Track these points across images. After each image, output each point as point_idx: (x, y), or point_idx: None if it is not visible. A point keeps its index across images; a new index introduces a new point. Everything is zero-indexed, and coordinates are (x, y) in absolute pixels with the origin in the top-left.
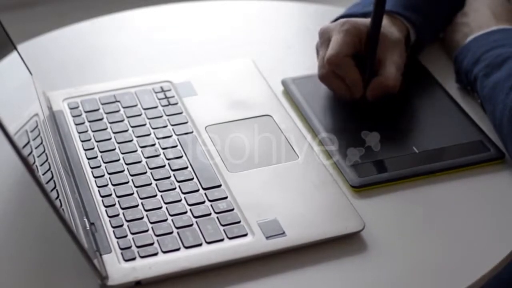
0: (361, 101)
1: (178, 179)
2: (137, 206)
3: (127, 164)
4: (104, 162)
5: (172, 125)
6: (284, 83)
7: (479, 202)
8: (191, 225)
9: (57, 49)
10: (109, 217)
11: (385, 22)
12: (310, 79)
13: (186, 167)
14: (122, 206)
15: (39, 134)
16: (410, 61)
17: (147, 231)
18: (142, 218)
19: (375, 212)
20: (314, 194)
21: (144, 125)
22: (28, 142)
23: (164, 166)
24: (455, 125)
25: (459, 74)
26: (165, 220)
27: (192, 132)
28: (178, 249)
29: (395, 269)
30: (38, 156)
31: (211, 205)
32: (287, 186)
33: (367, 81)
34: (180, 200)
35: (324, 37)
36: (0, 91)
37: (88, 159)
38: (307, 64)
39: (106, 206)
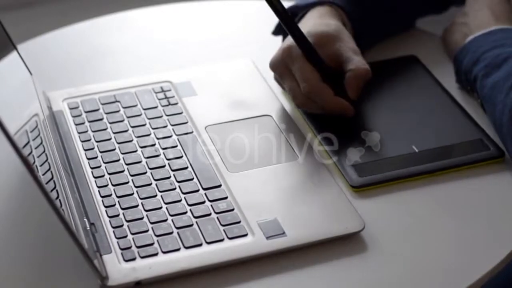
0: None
1: (178, 179)
2: (137, 206)
3: (127, 164)
4: (104, 162)
5: (172, 125)
6: None
7: (479, 202)
8: (191, 225)
9: (57, 49)
10: (109, 217)
11: (316, 19)
12: None
13: (186, 167)
14: (122, 206)
15: (39, 134)
16: (410, 60)
17: (147, 231)
18: (142, 218)
19: (375, 212)
20: (314, 194)
21: (144, 125)
22: (28, 142)
23: (164, 166)
24: (455, 124)
25: (459, 74)
26: (165, 220)
27: (192, 132)
28: (178, 249)
29: (395, 269)
30: (38, 156)
31: (211, 205)
32: (287, 186)
33: (333, 87)
34: (180, 200)
35: (282, 71)
36: (0, 91)
37: (88, 159)
38: None
39: (106, 206)
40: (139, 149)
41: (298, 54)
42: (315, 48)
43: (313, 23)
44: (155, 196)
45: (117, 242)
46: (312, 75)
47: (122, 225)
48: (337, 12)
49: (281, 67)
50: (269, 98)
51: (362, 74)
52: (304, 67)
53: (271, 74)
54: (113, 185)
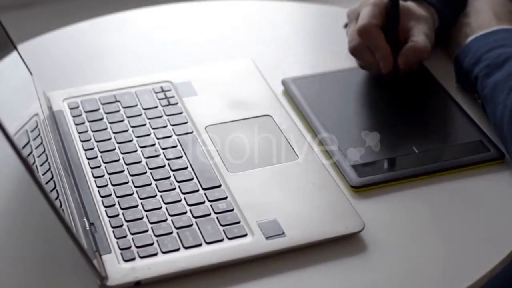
0: (390, 75)
1: (178, 179)
2: (136, 206)
3: (127, 164)
4: (104, 162)
5: (172, 125)
6: (284, 83)
7: (479, 202)
8: (191, 225)
9: (57, 49)
10: (109, 217)
11: (412, 4)
12: (310, 79)
13: (186, 167)
14: (122, 206)
15: (39, 134)
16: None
17: (146, 231)
18: (141, 218)
19: (375, 212)
20: (314, 194)
21: (144, 125)
22: (28, 142)
23: (164, 166)
24: (455, 125)
25: (459, 74)
26: (165, 221)
27: (192, 132)
28: (177, 250)
29: (395, 270)
30: (38, 156)
31: (210, 205)
32: (287, 186)
33: (393, 53)
34: (180, 201)
35: (352, 16)
36: (0, 91)
37: (88, 159)
38: (307, 64)
39: (105, 206)
40: (139, 149)
41: (370, 3)
42: (399, 15)
43: (410, 3)
44: (155, 196)
45: (117, 242)
46: (374, 18)
47: (121, 225)
48: (428, 9)
49: (352, 13)
50: (269, 98)
51: (418, 49)
52: (371, 9)
53: (271, 74)
54: (113, 185)
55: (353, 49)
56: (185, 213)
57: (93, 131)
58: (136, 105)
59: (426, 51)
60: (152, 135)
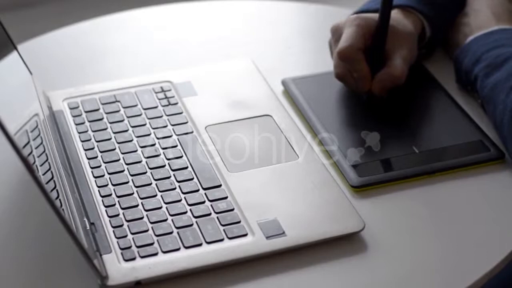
0: (367, 97)
1: (178, 179)
2: (137, 206)
3: (127, 164)
4: (104, 162)
5: (172, 125)
6: (284, 83)
7: (479, 202)
8: (191, 225)
9: (57, 49)
10: (109, 217)
11: (399, 16)
12: (310, 79)
13: (186, 167)
14: (122, 206)
15: (39, 134)
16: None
17: (147, 231)
18: (142, 218)
19: (375, 212)
20: (314, 194)
21: (144, 125)
22: (28, 142)
23: (164, 166)
24: (455, 125)
25: (459, 74)
26: (165, 220)
27: (192, 132)
28: (178, 249)
29: (395, 269)
30: (38, 156)
31: (211, 205)
32: (287, 186)
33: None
34: (180, 200)
35: (337, 34)
36: (0, 91)
37: (88, 159)
38: (307, 64)
39: (106, 206)
40: (139, 149)
41: (354, 24)
42: (385, 37)
43: (396, 16)
44: (155, 196)
45: (117, 242)
46: (355, 41)
47: (122, 225)
48: (418, 18)
49: (337, 32)
50: (269, 98)
51: (391, 75)
52: (354, 31)
53: (271, 74)
54: (113, 185)
55: (338, 76)
56: (185, 212)
57: (93, 131)
58: (136, 105)
59: (400, 78)
60: (152, 135)
